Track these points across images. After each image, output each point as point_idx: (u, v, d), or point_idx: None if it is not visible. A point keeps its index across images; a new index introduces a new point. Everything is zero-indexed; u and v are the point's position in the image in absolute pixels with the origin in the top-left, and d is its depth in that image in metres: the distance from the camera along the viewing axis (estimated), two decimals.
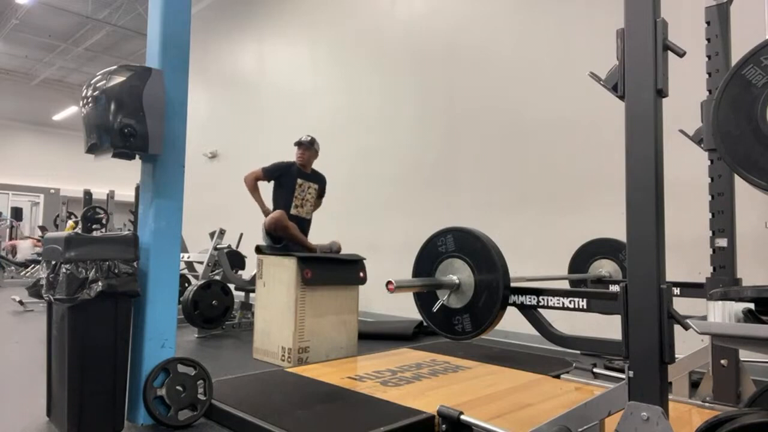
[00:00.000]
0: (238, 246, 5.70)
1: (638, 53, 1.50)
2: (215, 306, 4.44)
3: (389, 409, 2.33)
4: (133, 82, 2.24)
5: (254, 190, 4.15)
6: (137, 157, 2.35)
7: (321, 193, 4.43)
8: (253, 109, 8.07)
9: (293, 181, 4.15)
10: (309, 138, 4.26)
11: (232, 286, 4.82)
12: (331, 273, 3.74)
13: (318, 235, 4.32)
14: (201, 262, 5.09)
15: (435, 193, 5.37)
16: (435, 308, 2.02)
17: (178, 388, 2.27)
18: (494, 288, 1.86)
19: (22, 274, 9.05)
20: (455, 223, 2.17)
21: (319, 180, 4.38)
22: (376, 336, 4.54)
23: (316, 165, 4.38)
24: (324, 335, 3.65)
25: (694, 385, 2.58)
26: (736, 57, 1.83)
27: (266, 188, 4.24)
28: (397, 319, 5.13)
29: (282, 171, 4.16)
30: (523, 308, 1.84)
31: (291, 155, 4.28)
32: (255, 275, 4.01)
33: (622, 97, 1.54)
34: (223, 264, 5.05)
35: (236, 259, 5.46)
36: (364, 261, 3.97)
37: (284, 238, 3.95)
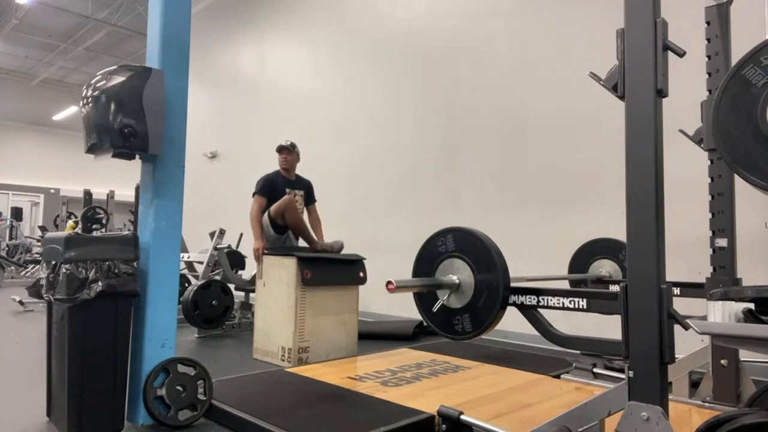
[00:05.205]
0: (238, 246, 5.69)
1: (638, 53, 1.50)
2: (215, 306, 4.44)
3: (389, 409, 2.33)
4: (133, 82, 2.24)
5: (258, 220, 4.03)
6: (137, 157, 2.35)
7: (309, 200, 4.38)
8: (253, 109, 8.07)
9: (282, 192, 4.13)
10: (289, 142, 4.27)
11: (232, 286, 4.82)
12: (331, 273, 3.74)
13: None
14: (201, 262, 5.08)
15: (435, 193, 5.37)
16: (435, 308, 2.02)
17: (178, 388, 2.28)
18: (494, 288, 1.86)
19: (22, 274, 9.05)
20: (455, 223, 2.17)
21: (304, 185, 4.35)
22: (376, 336, 4.54)
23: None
24: (324, 335, 3.65)
25: (694, 385, 2.58)
26: (736, 57, 1.83)
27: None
28: (397, 319, 5.13)
29: (271, 184, 4.14)
30: (523, 308, 1.84)
31: None
32: (255, 275, 4.01)
33: (622, 97, 1.54)
34: (223, 264, 5.05)
35: (236, 259, 5.46)
36: (364, 261, 3.97)
37: (289, 225, 3.93)
